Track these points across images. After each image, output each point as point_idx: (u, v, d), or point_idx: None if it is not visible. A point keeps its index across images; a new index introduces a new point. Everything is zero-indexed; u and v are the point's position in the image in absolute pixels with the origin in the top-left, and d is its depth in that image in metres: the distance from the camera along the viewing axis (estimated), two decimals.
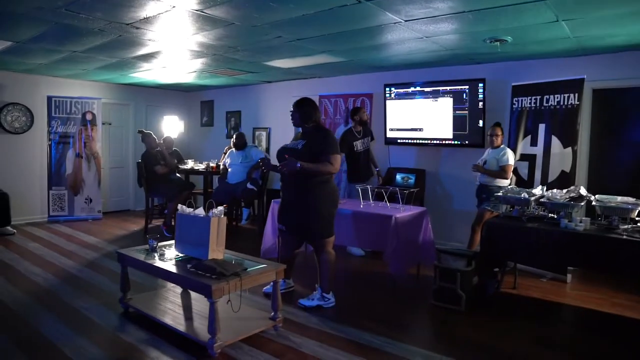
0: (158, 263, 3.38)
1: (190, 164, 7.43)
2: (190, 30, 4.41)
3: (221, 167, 7.09)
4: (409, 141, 6.14)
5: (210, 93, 9.27)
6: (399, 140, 6.24)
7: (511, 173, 4.81)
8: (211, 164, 7.30)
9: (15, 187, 7.21)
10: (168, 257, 3.53)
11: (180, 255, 3.56)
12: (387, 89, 6.18)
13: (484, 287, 4.04)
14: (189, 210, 3.63)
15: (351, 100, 6.55)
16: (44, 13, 3.94)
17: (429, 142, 5.95)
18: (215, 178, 7.51)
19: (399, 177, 6.19)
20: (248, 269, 3.17)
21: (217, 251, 3.44)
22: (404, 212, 4.37)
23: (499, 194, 4.17)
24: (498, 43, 4.38)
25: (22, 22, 4.28)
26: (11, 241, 6.11)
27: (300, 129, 4.03)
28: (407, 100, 6.04)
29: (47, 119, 7.41)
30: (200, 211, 3.58)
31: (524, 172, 5.06)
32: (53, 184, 7.46)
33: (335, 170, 3.66)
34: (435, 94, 5.76)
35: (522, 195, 3.97)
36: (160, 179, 6.73)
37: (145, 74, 7.13)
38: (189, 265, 3.19)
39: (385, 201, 4.64)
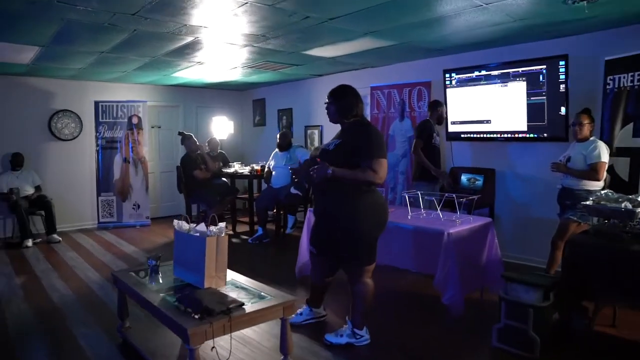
0: (143, 291, 2.82)
1: (235, 167, 6.95)
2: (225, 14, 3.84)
3: (266, 169, 6.54)
4: (475, 135, 5.17)
5: (261, 91, 8.79)
6: (462, 135, 5.28)
7: (604, 173, 3.70)
8: (256, 167, 6.78)
9: (67, 194, 7.17)
10: (164, 284, 2.97)
11: (178, 281, 2.99)
12: (447, 75, 5.25)
13: (567, 324, 3.06)
14: (187, 226, 3.04)
15: (406, 91, 5.69)
16: (42, 9, 3.57)
17: (499, 136, 4.95)
18: (261, 182, 6.97)
19: (464, 178, 5.23)
20: (245, 304, 2.50)
21: (216, 278, 2.82)
22: (461, 225, 3.49)
23: (587, 201, 3.16)
24: (585, 3, 3.34)
25: (29, 21, 3.99)
26: (53, 250, 5.98)
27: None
28: (470, 88, 5.08)
29: (95, 124, 7.30)
30: (202, 227, 2.99)
31: (623, 171, 3.93)
32: (102, 190, 7.33)
33: (380, 179, 2.80)
34: (505, 78, 4.75)
35: (623, 204, 2.93)
36: (200, 184, 6.31)
37: (187, 72, 6.75)
38: (174, 298, 2.59)
39: (438, 210, 3.77)
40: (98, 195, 7.33)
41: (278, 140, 6.38)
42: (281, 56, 5.62)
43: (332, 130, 7.14)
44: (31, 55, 5.30)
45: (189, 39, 4.64)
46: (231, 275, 3.01)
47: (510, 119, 4.81)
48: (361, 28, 4.29)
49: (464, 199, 3.64)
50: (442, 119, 5.01)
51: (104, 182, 7.33)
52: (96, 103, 7.27)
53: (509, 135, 4.85)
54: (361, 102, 2.99)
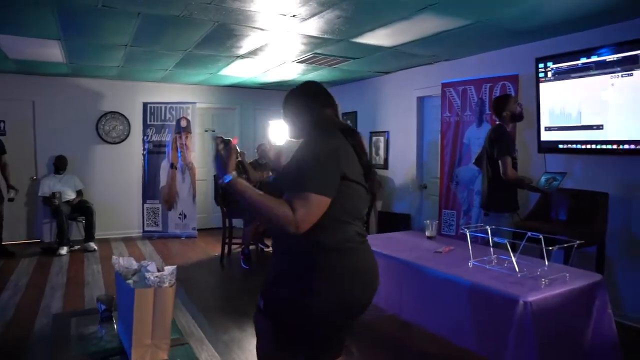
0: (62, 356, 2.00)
1: None
2: None
3: None
4: (579, 146, 3.76)
5: None
6: (560, 146, 3.89)
7: None
8: None
9: (112, 200, 6.80)
10: (97, 346, 2.13)
11: (117, 342, 2.14)
12: (541, 65, 3.92)
13: None
14: (133, 265, 2.18)
15: (486, 88, 4.42)
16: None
17: (615, 147, 3.52)
18: None
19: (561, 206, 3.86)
20: None
21: (151, 347, 1.92)
22: (549, 287, 2.23)
23: None
24: None
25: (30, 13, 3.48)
26: (83, 260, 5.54)
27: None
28: (574, 81, 3.71)
29: (142, 127, 6.86)
30: (152, 267, 2.13)
31: None
32: (147, 197, 6.86)
33: (296, 226, 1.51)
34: (627, 65, 3.34)
35: None
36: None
37: (234, 70, 6.04)
38: None
39: (513, 258, 2.50)
40: (143, 202, 6.87)
41: None
42: (331, 46, 4.65)
43: (400, 137, 6.03)
44: (58, 51, 4.88)
45: (215, 31, 3.87)
46: (196, 332, 2.10)
47: (632, 123, 3.38)
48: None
49: (555, 247, 2.36)
50: (518, 117, 3.65)
51: (149, 188, 6.86)
52: (144, 104, 6.84)
53: (631, 147, 3.41)
54: (331, 105, 1.82)
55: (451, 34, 4.05)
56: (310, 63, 5.56)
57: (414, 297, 2.74)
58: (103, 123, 6.80)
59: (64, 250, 5.81)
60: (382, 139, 6.43)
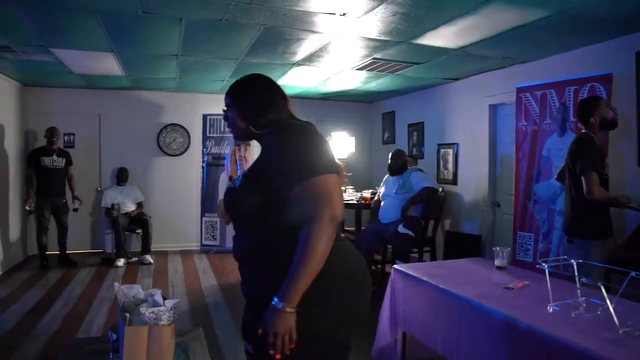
0: None
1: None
2: None
3: (375, 198, 5.17)
4: None
5: (391, 102, 7.43)
6: None
7: None
8: (365, 194, 5.44)
9: (172, 212, 6.80)
10: None
11: None
12: None
13: None
14: (132, 292, 1.89)
15: (570, 91, 3.76)
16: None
17: None
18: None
19: None
20: None
21: None
22: None
23: None
24: None
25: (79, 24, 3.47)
26: (137, 273, 5.50)
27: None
28: None
29: (202, 139, 6.81)
30: (157, 297, 1.84)
31: None
32: (206, 210, 6.77)
33: (331, 224, 1.31)
34: None
35: None
36: None
37: (292, 79, 5.80)
38: None
39: (607, 303, 1.91)
40: (202, 215, 6.79)
41: (389, 161, 4.96)
42: (390, 49, 4.25)
43: (471, 150, 5.44)
44: (114, 63, 4.88)
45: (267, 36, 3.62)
46: None
47: None
48: None
49: None
50: (611, 124, 2.99)
51: (208, 201, 6.77)
52: (204, 116, 6.79)
53: None
54: (284, 99, 1.58)
55: (527, 29, 3.49)
56: (371, 70, 5.18)
57: (474, 342, 2.23)
58: (164, 135, 6.84)
59: (120, 262, 5.82)
60: (450, 151, 5.86)
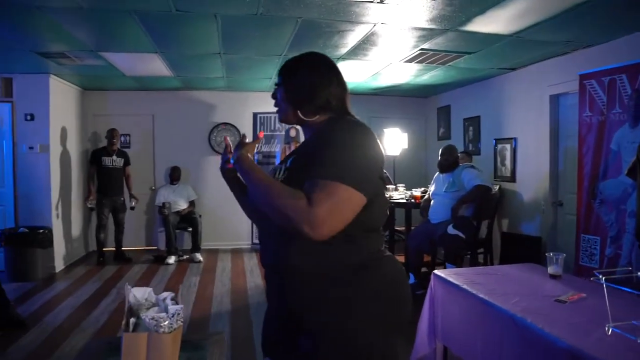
0: None
1: (391, 191, 5.46)
2: None
3: (425, 197, 4.91)
4: None
5: (446, 96, 7.06)
6: None
7: None
8: (415, 193, 5.18)
9: (223, 210, 6.83)
10: None
11: None
12: None
13: None
14: (142, 295, 1.81)
15: None
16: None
17: None
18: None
19: None
20: None
21: None
22: None
23: None
24: None
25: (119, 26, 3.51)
26: (185, 271, 5.58)
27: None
28: None
29: (252, 138, 6.78)
30: (169, 301, 1.77)
31: None
32: None
33: (313, 227, 1.13)
34: None
35: None
36: None
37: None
38: None
39: None
40: None
41: (439, 158, 4.68)
42: (437, 39, 3.98)
43: (530, 144, 5.02)
44: (161, 64, 4.95)
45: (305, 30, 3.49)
46: None
47: None
48: None
49: None
50: None
51: None
52: (254, 115, 6.78)
53: None
54: (340, 86, 1.44)
55: (592, 6, 3.10)
56: (420, 62, 4.90)
57: None
58: (215, 134, 6.92)
59: (171, 260, 5.94)
60: (508, 147, 5.45)
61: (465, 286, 2.39)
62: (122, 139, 6.72)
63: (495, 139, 5.69)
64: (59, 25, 3.57)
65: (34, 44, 4.17)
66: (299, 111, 1.41)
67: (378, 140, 1.33)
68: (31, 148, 5.41)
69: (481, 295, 2.24)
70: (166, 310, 1.69)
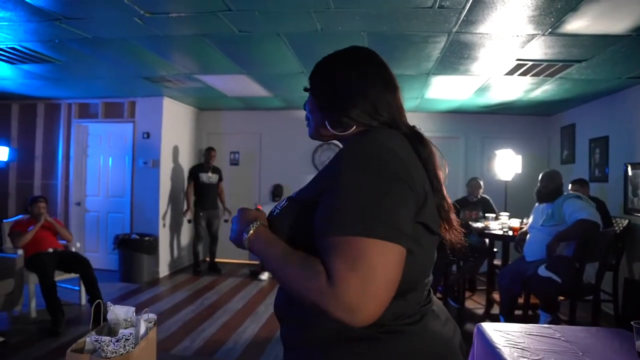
0: None
1: (488, 221, 4.84)
2: None
3: (523, 229, 4.26)
4: None
5: (571, 114, 6.13)
6: None
7: None
8: (513, 224, 4.52)
9: None
10: None
11: None
12: None
13: None
14: (123, 313, 1.77)
15: None
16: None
17: None
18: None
19: None
20: None
21: None
22: None
23: None
24: None
25: (194, 49, 3.67)
26: (273, 287, 5.61)
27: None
28: None
29: None
30: (141, 323, 1.71)
31: None
32: None
33: (351, 312, 0.80)
34: None
35: None
36: None
37: (439, 91, 5.27)
38: None
39: None
40: None
41: (538, 184, 4.01)
42: (532, 47, 3.44)
43: None
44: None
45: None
46: None
47: None
48: None
49: None
50: None
51: None
52: None
53: None
54: (389, 91, 1.07)
55: None
56: (522, 74, 4.31)
57: None
58: (319, 153, 6.93)
59: (264, 276, 6.04)
60: None
61: (501, 348, 1.92)
62: (232, 156, 7.13)
63: (626, 164, 4.71)
64: (154, 53, 3.91)
65: (140, 70, 4.61)
66: (327, 123, 1.07)
67: (411, 162, 0.96)
68: (145, 163, 6.00)
69: None
70: (138, 332, 1.63)
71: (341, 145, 1.09)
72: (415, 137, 1.05)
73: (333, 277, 0.82)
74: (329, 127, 1.08)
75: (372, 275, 0.81)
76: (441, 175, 1.06)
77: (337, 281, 0.81)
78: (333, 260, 0.83)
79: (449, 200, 1.08)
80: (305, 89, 1.16)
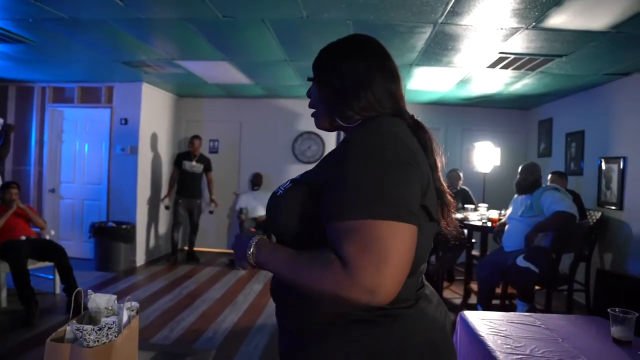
0: None
1: (467, 212, 4.92)
2: None
3: (502, 220, 4.34)
4: None
5: (548, 108, 6.25)
6: None
7: None
8: (491, 215, 4.60)
9: None
10: None
11: None
12: None
13: None
14: (104, 302, 1.73)
15: None
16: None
17: None
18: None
19: None
20: None
21: None
22: None
23: None
24: None
25: (176, 33, 3.58)
26: (253, 277, 5.58)
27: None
28: None
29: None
30: (122, 311, 1.67)
31: None
32: None
33: (364, 288, 0.82)
34: None
35: None
36: None
37: (421, 82, 5.27)
38: None
39: None
40: None
41: (517, 177, 4.09)
42: (514, 40, 3.48)
43: None
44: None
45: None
46: None
47: None
48: None
49: None
50: None
51: None
52: None
53: None
54: (392, 81, 1.08)
55: None
56: (504, 67, 4.36)
57: None
58: (299, 143, 6.90)
59: None
60: (615, 167, 4.59)
61: (484, 336, 1.95)
62: (211, 144, 7.03)
63: (600, 158, 4.84)
64: (134, 36, 3.80)
65: (119, 55, 4.48)
66: (334, 114, 1.08)
67: (417, 151, 0.99)
68: (123, 150, 5.87)
69: (496, 354, 1.80)
70: (120, 321, 1.60)
71: (335, 135, 1.13)
72: (416, 125, 1.10)
73: (347, 261, 0.83)
74: (338, 120, 1.09)
75: (385, 256, 0.83)
76: (439, 162, 1.10)
77: (352, 264, 0.82)
78: (345, 245, 0.84)
79: (446, 186, 1.11)
80: (309, 79, 1.17)
